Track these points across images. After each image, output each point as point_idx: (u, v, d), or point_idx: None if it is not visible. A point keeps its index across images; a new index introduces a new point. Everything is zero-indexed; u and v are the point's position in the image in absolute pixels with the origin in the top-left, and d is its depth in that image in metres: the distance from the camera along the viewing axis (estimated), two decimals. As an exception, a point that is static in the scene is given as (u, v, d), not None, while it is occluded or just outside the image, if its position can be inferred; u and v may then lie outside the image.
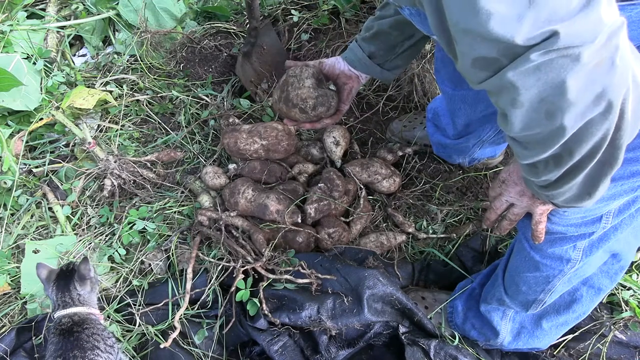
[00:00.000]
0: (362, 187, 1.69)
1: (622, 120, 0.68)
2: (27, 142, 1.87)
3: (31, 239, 1.68)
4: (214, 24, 2.13)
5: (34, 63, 1.99)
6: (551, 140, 0.71)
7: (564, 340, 1.46)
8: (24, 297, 1.57)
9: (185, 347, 1.46)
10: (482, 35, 0.64)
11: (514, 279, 1.22)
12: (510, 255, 1.26)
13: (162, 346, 1.39)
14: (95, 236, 1.69)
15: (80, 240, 1.66)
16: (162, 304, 1.51)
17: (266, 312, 1.40)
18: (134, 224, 1.65)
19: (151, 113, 1.96)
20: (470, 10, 0.62)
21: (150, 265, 1.61)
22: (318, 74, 1.34)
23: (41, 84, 1.97)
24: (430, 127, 1.72)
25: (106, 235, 1.68)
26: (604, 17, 0.60)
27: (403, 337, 1.39)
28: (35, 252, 1.60)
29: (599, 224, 1.00)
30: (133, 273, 1.60)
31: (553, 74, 0.63)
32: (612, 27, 0.62)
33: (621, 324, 1.50)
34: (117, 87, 2.00)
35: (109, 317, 1.51)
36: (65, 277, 1.31)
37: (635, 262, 1.56)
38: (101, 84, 2.00)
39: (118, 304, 1.53)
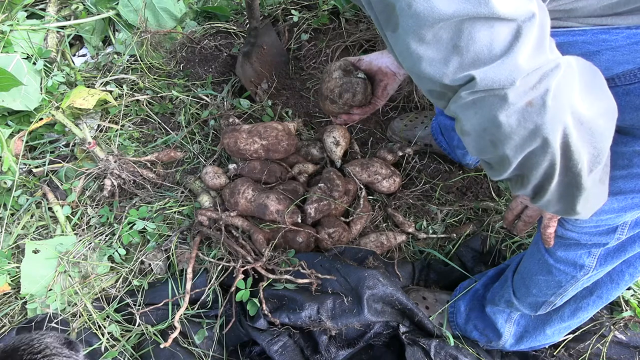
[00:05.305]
0: (362, 187, 1.69)
1: (570, 152, 0.71)
2: (27, 142, 1.87)
3: (31, 239, 1.68)
4: (214, 24, 2.13)
5: (34, 63, 1.99)
6: (502, 165, 0.77)
7: (564, 340, 1.46)
8: (24, 297, 1.57)
9: (185, 347, 1.46)
10: (418, 75, 0.71)
11: (524, 281, 1.22)
12: (522, 258, 1.26)
13: (162, 346, 1.39)
14: (95, 236, 1.68)
15: (80, 240, 1.66)
16: (162, 304, 1.51)
17: (266, 312, 1.39)
18: (134, 224, 1.65)
19: (151, 113, 1.96)
20: (407, 53, 0.69)
21: (150, 265, 1.61)
22: (347, 65, 1.36)
23: (41, 84, 1.97)
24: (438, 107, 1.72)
25: (106, 235, 1.68)
26: (522, 64, 0.64)
27: (403, 337, 1.39)
28: (35, 252, 1.60)
29: (613, 234, 1.01)
30: (133, 273, 1.60)
31: (486, 109, 0.69)
32: (544, 70, 0.65)
33: (621, 324, 1.50)
34: (117, 87, 2.00)
35: (108, 317, 1.51)
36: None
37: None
38: (101, 84, 2.00)
39: (118, 304, 1.53)
